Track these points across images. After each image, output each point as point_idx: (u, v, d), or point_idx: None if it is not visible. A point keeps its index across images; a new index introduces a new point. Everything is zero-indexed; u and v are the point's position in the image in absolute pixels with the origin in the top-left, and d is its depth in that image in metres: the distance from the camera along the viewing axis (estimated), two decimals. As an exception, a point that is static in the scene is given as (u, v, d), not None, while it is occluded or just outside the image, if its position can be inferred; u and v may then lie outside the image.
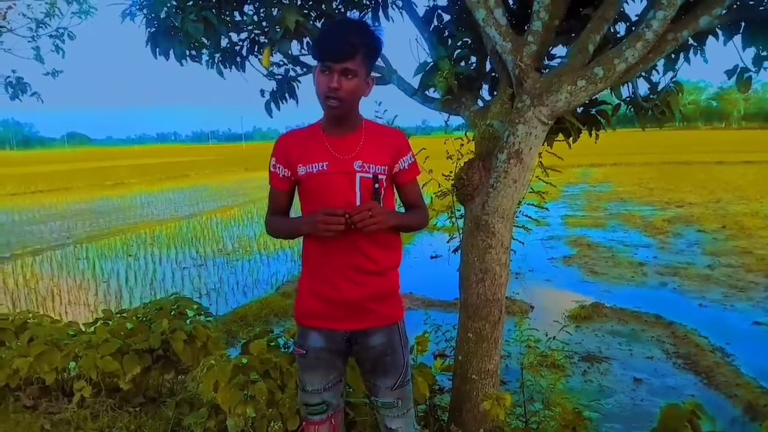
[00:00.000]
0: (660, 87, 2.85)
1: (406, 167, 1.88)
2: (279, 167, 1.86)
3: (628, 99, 2.83)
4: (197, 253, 9.24)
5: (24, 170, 38.90)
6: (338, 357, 1.93)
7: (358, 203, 1.76)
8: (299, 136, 1.86)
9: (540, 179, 2.70)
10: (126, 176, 28.79)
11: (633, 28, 2.59)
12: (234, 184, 22.77)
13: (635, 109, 2.83)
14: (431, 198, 3.10)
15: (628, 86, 2.76)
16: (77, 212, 15.14)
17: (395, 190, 1.92)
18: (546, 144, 2.79)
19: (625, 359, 4.39)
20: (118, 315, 3.17)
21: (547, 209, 3.16)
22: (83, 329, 3.10)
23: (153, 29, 3.13)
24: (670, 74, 2.83)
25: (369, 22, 3.20)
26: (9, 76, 6.43)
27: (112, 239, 10.70)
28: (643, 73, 2.73)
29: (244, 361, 2.31)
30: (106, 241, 10.56)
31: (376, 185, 1.78)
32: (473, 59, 2.89)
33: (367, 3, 3.37)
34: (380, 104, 2.62)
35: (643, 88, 2.88)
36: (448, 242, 2.84)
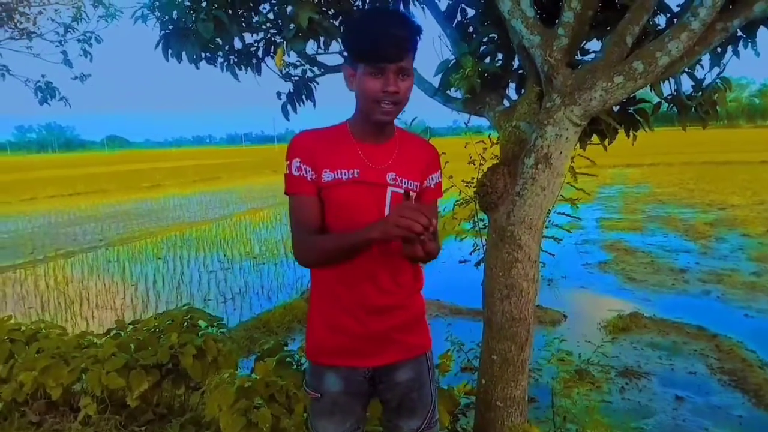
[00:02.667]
0: (705, 83, 2.61)
1: (432, 186, 1.67)
2: (306, 169, 1.54)
3: (670, 97, 2.59)
4: (225, 256, 9.22)
5: (64, 172, 39.99)
6: (358, 401, 1.68)
7: None
8: (324, 136, 1.59)
9: (571, 185, 2.48)
10: (161, 178, 29.29)
11: (674, 20, 2.35)
12: (264, 186, 22.86)
13: (678, 108, 2.59)
14: (453, 206, 2.91)
15: (670, 83, 2.52)
16: (112, 214, 15.39)
17: None
18: (578, 147, 2.58)
19: (665, 375, 4.11)
20: (131, 326, 3.07)
21: (579, 218, 2.93)
22: (95, 340, 3.01)
23: (166, 31, 3.02)
24: (716, 70, 2.58)
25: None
26: (39, 81, 6.50)
27: (143, 242, 10.78)
28: (687, 69, 2.48)
29: (249, 383, 2.17)
30: (138, 243, 10.65)
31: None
32: (499, 56, 2.69)
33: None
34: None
35: (686, 84, 2.63)
36: (471, 253, 2.65)
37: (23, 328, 3.00)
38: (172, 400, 2.93)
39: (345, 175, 1.54)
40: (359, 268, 1.55)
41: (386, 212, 1.55)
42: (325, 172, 1.55)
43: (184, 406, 2.86)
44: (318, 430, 1.68)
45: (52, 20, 6.42)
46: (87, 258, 9.43)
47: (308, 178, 1.55)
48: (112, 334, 2.95)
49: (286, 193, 1.59)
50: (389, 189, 1.56)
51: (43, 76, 6.37)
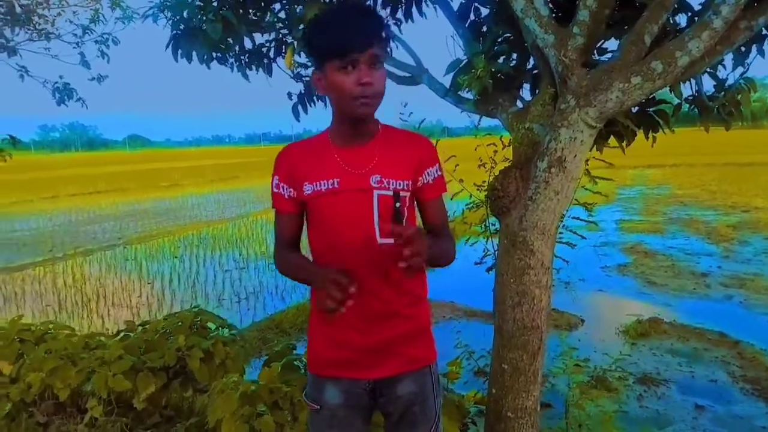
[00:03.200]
0: (728, 84, 2.51)
1: (431, 181, 1.57)
2: (283, 186, 1.56)
3: (690, 98, 2.49)
4: (240, 255, 9.25)
5: (86, 171, 40.62)
6: (358, 414, 1.62)
7: (376, 227, 1.48)
8: (304, 148, 1.57)
9: (587, 189, 2.40)
10: (180, 178, 29.58)
11: (696, 18, 2.26)
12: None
13: (699, 109, 2.49)
14: (462, 211, 2.85)
15: (690, 83, 2.43)
16: (131, 213, 15.56)
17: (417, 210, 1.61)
18: (594, 149, 2.50)
19: (685, 382, 4.00)
20: (140, 327, 3.06)
21: (595, 223, 2.84)
22: (104, 341, 3.00)
23: (177, 32, 3.00)
24: (739, 69, 2.48)
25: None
26: (56, 82, 6.55)
27: (161, 240, 10.87)
28: (709, 69, 2.39)
29: (253, 388, 2.13)
30: (155, 242, 10.74)
31: (398, 204, 1.47)
32: (513, 56, 2.62)
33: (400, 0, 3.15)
34: (406, 105, 2.36)
35: (708, 85, 2.53)
36: (482, 259, 2.58)
37: (33, 328, 3.01)
38: (180, 403, 2.92)
39: (324, 186, 1.50)
40: (358, 277, 1.49)
41: (375, 219, 1.49)
42: (305, 185, 1.52)
43: (192, 408, 2.84)
44: None
45: (70, 22, 6.48)
46: (105, 256, 9.54)
47: (285, 196, 1.58)
48: (120, 335, 2.94)
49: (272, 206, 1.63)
50: (375, 192, 1.48)
51: (60, 77, 6.43)
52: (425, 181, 1.56)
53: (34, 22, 6.23)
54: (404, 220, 1.51)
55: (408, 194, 1.52)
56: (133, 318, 6.11)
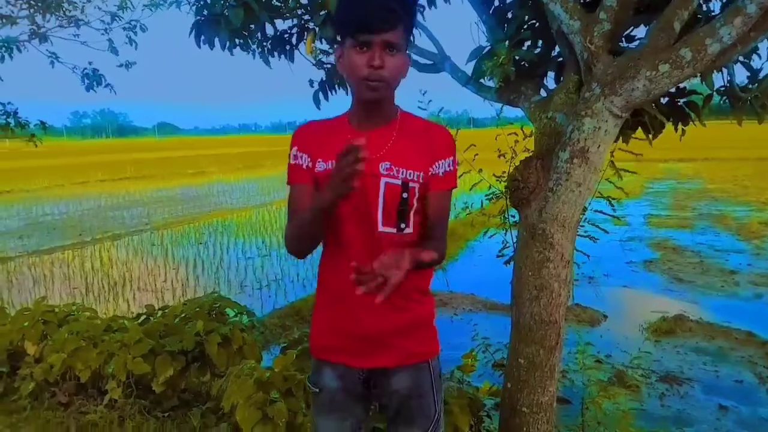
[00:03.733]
0: (762, 74, 2.41)
1: (440, 174, 1.49)
2: (302, 157, 1.52)
3: (722, 88, 2.40)
4: (263, 242, 9.32)
5: (115, 157, 41.39)
6: (356, 401, 1.60)
7: (379, 216, 1.45)
8: (322, 126, 1.56)
9: (611, 182, 2.33)
10: (207, 165, 29.94)
11: (730, 4, 2.17)
12: (307, 174, 23.02)
13: (731, 101, 2.40)
14: (482, 202, 2.80)
15: (722, 73, 2.34)
16: (158, 199, 15.81)
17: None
18: (620, 140, 2.43)
19: (710, 382, 3.91)
20: (160, 311, 3.10)
21: (618, 218, 2.77)
22: (126, 324, 3.05)
23: (200, 18, 3.00)
24: (775, 59, 2.38)
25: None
26: (86, 68, 6.65)
27: (186, 226, 11.02)
28: (741, 57, 2.29)
29: (268, 375, 2.14)
30: (181, 228, 10.90)
31: (405, 195, 1.43)
32: (539, 43, 2.56)
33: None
34: (425, 93, 2.31)
35: (740, 75, 2.44)
36: (500, 251, 2.53)
37: (57, 309, 3.07)
38: (198, 387, 2.95)
39: (334, 165, 1.43)
40: (350, 263, 1.46)
41: (379, 206, 1.45)
42: (319, 162, 1.49)
43: (209, 393, 2.87)
44: (318, 426, 1.63)
45: (99, 9, 6.56)
46: (132, 241, 9.71)
47: (304, 166, 1.52)
48: (141, 319, 2.98)
49: (287, 184, 1.56)
50: (383, 180, 1.44)
51: (90, 63, 6.52)
52: (434, 172, 1.49)
53: (63, 9, 6.33)
54: (411, 212, 1.47)
55: (417, 185, 1.46)
56: (157, 302, 6.22)
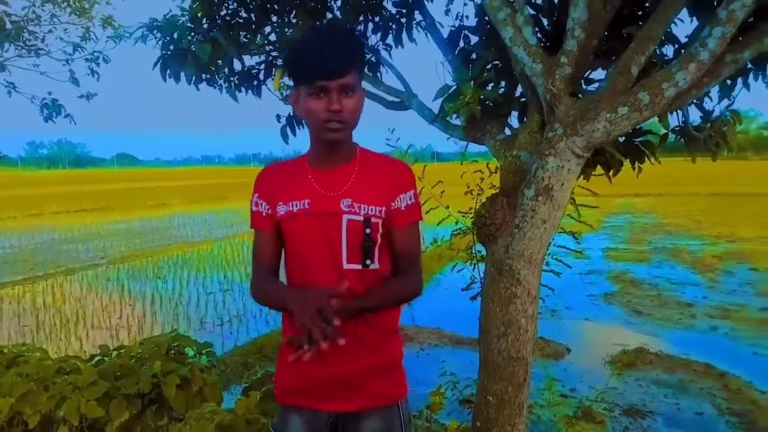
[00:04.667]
0: (714, 115, 2.53)
1: (402, 207, 1.50)
2: (262, 204, 1.54)
3: (677, 128, 2.51)
4: (225, 277, 9.13)
5: (72, 189, 40.21)
6: None
7: (344, 253, 1.45)
8: (282, 169, 1.56)
9: (572, 217, 2.38)
10: (168, 197, 29.37)
11: (682, 51, 2.28)
12: (270, 206, 22.80)
13: (686, 140, 2.51)
14: (451, 236, 2.82)
15: (677, 114, 2.44)
16: (115, 232, 15.38)
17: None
18: (582, 178, 2.49)
19: (671, 415, 3.95)
20: (115, 351, 2.98)
21: (580, 252, 2.82)
22: (78, 365, 2.91)
23: (167, 52, 2.98)
24: (725, 102, 2.51)
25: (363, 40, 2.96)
26: (45, 98, 6.51)
27: (145, 260, 10.71)
28: (695, 100, 2.41)
29: (230, 418, 2.06)
30: (139, 261, 10.59)
31: (367, 230, 1.44)
32: (502, 83, 2.63)
33: (391, 25, 3.17)
34: (393, 131, 2.34)
35: (694, 116, 2.55)
36: (467, 287, 2.54)
37: (5, 350, 2.91)
38: (156, 431, 2.82)
39: (296, 206, 1.48)
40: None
41: (343, 243, 1.45)
42: (280, 205, 1.50)
43: (167, 437, 2.74)
44: None
45: (61, 39, 6.47)
46: (87, 276, 9.37)
47: (263, 213, 1.55)
48: (95, 360, 2.85)
49: (251, 227, 1.58)
50: (345, 217, 1.45)
51: (49, 93, 6.39)
52: (397, 206, 1.49)
53: (24, 39, 6.21)
54: (375, 248, 1.48)
55: (380, 221, 1.47)
56: (111, 340, 5.99)
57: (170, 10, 2.94)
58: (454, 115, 2.37)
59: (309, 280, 1.48)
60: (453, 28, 2.81)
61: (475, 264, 2.54)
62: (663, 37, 2.20)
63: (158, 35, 2.94)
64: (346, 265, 1.46)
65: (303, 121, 3.20)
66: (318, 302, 1.26)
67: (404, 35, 3.14)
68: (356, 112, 1.43)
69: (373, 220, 1.46)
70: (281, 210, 1.50)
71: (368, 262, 1.47)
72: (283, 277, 1.60)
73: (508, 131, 2.53)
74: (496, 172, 2.38)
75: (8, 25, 6.06)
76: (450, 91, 2.43)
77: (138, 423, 2.63)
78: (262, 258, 1.56)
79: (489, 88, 2.50)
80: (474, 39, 2.76)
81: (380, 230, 1.48)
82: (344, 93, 1.38)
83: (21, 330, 6.38)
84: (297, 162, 1.55)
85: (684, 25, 2.38)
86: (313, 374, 1.48)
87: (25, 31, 6.31)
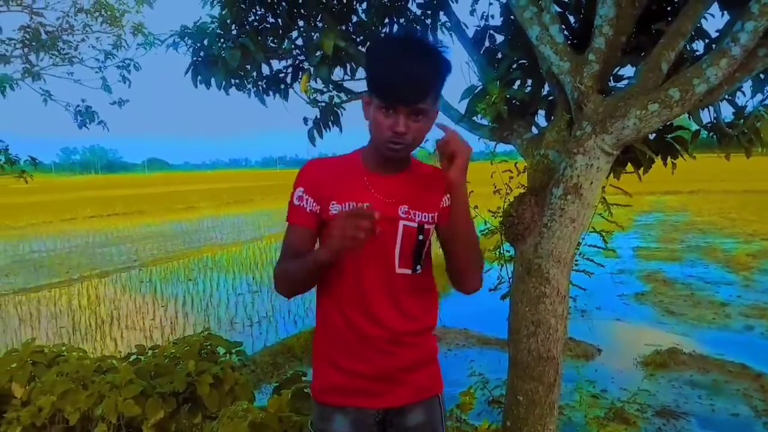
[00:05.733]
0: (747, 111, 2.48)
1: (450, 204, 1.53)
2: (307, 200, 1.48)
3: (709, 125, 2.46)
4: (254, 278, 9.24)
5: (105, 193, 41.18)
6: None
7: (396, 257, 1.47)
8: (334, 166, 1.53)
9: (603, 216, 2.36)
10: (197, 200, 29.86)
11: (713, 46, 2.25)
12: (297, 208, 22.97)
13: (718, 136, 2.46)
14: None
15: (709, 110, 2.40)
16: (147, 235, 15.69)
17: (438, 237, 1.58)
18: (612, 176, 2.47)
19: (706, 416, 3.88)
20: (150, 351, 3.05)
21: (613, 250, 2.79)
22: (115, 364, 2.99)
23: (198, 59, 3.05)
24: (758, 97, 2.46)
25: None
26: (78, 105, 6.68)
27: (176, 263, 10.91)
28: (727, 96, 2.37)
29: (262, 416, 2.10)
30: (170, 264, 10.79)
31: (420, 237, 1.48)
32: (528, 82, 2.62)
33: (416, 27, 3.18)
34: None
35: (726, 112, 2.51)
36: (495, 287, 2.53)
37: (46, 350, 3.01)
38: (189, 429, 2.88)
39: (353, 208, 1.46)
40: (365, 303, 1.47)
41: (397, 249, 1.47)
42: (333, 204, 1.47)
43: (201, 435, 2.80)
44: None
45: (93, 47, 6.64)
46: (120, 278, 9.59)
47: (307, 209, 1.49)
48: (131, 359, 2.93)
49: (287, 221, 1.54)
50: (401, 223, 1.47)
51: (83, 101, 6.56)
52: (446, 204, 1.53)
53: (58, 47, 6.40)
54: (423, 254, 1.52)
55: (432, 227, 1.52)
56: (146, 341, 6.12)
57: (200, 18, 3.00)
58: (481, 116, 2.37)
59: (356, 282, 1.48)
60: (478, 28, 2.81)
61: (503, 264, 2.53)
62: (693, 33, 2.17)
63: (189, 42, 3.01)
64: (398, 270, 1.49)
65: (330, 123, 3.27)
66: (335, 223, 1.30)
67: (429, 36, 3.15)
68: (421, 135, 1.43)
69: (426, 226, 1.50)
70: (334, 209, 1.47)
71: (418, 267, 1.52)
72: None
73: (535, 130, 2.52)
74: (524, 172, 2.37)
75: (44, 36, 6.25)
76: (476, 91, 2.43)
77: (173, 421, 2.69)
78: (293, 249, 1.50)
79: (515, 87, 2.49)
80: (499, 38, 2.76)
81: (429, 236, 1.52)
82: (414, 116, 1.37)
83: (58, 331, 6.56)
84: (350, 160, 1.54)
85: (714, 20, 2.34)
86: (359, 373, 1.50)
87: (59, 40, 6.49)
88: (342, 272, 1.50)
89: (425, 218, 1.50)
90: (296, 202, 1.50)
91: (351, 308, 1.49)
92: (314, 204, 1.48)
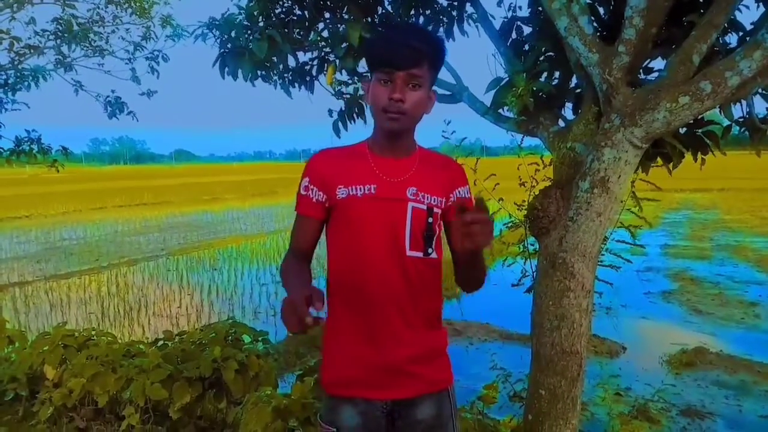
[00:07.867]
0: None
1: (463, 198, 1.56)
2: (313, 189, 1.51)
3: (741, 119, 2.41)
4: (277, 269, 9.32)
5: (133, 183, 41.93)
6: None
7: (407, 239, 1.46)
8: (339, 154, 1.56)
9: (632, 211, 2.33)
10: (222, 192, 30.23)
11: (747, 38, 2.19)
12: (320, 201, 23.12)
13: (750, 132, 2.40)
14: (501, 231, 2.81)
15: (741, 104, 2.35)
16: (174, 225, 15.95)
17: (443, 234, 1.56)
18: (640, 170, 2.43)
19: (732, 417, 3.81)
20: (177, 337, 3.11)
21: (642, 246, 2.75)
22: (143, 349, 3.06)
23: (226, 50, 3.08)
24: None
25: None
26: (108, 96, 6.81)
27: (202, 252, 11.08)
28: (761, 89, 2.31)
29: (286, 403, 2.13)
30: (196, 253, 10.96)
31: (430, 219, 1.47)
32: (556, 74, 2.59)
33: (442, 19, 3.17)
34: (449, 123, 2.35)
35: (760, 107, 2.45)
36: (519, 281, 2.52)
37: (77, 334, 3.09)
38: (214, 414, 2.94)
39: (360, 191, 1.47)
40: (376, 296, 1.47)
41: (407, 230, 1.47)
42: (339, 188, 1.49)
43: (225, 420, 2.86)
44: None
45: (123, 39, 6.75)
46: (148, 266, 9.78)
47: (313, 199, 1.52)
48: (159, 344, 3.00)
49: (295, 210, 1.58)
50: (410, 204, 1.47)
51: (113, 91, 6.68)
52: (454, 199, 1.54)
53: (89, 39, 6.52)
54: (434, 238, 1.51)
55: (440, 211, 1.51)
56: (172, 327, 6.23)
57: (228, 9, 3.03)
58: (507, 108, 2.36)
59: (366, 266, 1.48)
60: (505, 19, 2.79)
61: (527, 258, 2.52)
62: (726, 25, 2.12)
63: (216, 34, 3.05)
64: (408, 252, 1.48)
65: (355, 114, 3.28)
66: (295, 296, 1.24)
67: (455, 28, 3.14)
68: (418, 106, 1.44)
69: (435, 209, 1.49)
70: (341, 193, 1.48)
71: (430, 250, 1.50)
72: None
73: (561, 123, 2.49)
74: (550, 165, 2.35)
75: (75, 27, 6.37)
76: (502, 83, 2.41)
77: (198, 405, 2.75)
78: (299, 242, 1.57)
79: (542, 79, 2.47)
80: (527, 30, 2.73)
81: (438, 221, 1.51)
82: (410, 85, 1.40)
83: (87, 317, 6.73)
84: (356, 148, 1.56)
85: (749, 12, 2.28)
86: (368, 364, 1.50)
87: (90, 32, 6.60)
88: (352, 255, 1.50)
89: (435, 201, 1.50)
90: (303, 192, 1.54)
91: (363, 301, 1.49)
92: (320, 193, 1.52)
